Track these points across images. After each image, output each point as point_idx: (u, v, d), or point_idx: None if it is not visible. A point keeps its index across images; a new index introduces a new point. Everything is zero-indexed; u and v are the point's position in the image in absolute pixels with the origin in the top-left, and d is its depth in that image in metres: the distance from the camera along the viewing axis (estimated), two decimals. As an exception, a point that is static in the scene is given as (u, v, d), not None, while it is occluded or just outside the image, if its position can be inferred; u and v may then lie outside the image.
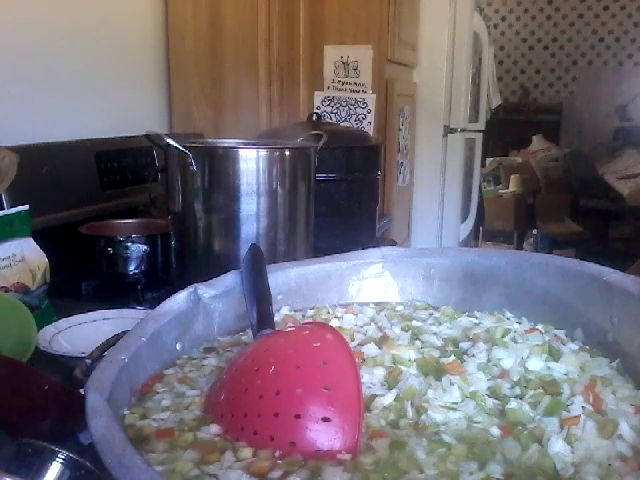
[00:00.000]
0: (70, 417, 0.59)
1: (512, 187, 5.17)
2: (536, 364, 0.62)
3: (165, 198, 1.24)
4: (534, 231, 4.76)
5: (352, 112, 2.13)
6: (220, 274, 0.74)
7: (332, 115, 2.15)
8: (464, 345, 0.67)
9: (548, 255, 0.79)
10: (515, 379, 0.60)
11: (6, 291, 1.04)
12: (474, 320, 0.74)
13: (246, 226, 1.17)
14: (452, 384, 0.58)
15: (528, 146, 5.74)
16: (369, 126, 2.12)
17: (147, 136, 1.19)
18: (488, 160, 5.29)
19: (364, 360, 0.64)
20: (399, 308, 0.81)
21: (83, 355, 0.64)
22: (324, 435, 0.49)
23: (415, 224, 2.69)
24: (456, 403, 0.56)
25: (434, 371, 0.61)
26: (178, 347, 0.67)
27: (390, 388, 0.59)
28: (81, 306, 1.10)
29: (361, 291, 0.83)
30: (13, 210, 1.09)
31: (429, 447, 0.50)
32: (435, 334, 0.71)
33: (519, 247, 4.83)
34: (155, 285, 1.33)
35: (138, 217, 1.53)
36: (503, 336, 0.67)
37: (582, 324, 0.71)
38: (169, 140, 1.13)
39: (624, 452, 0.50)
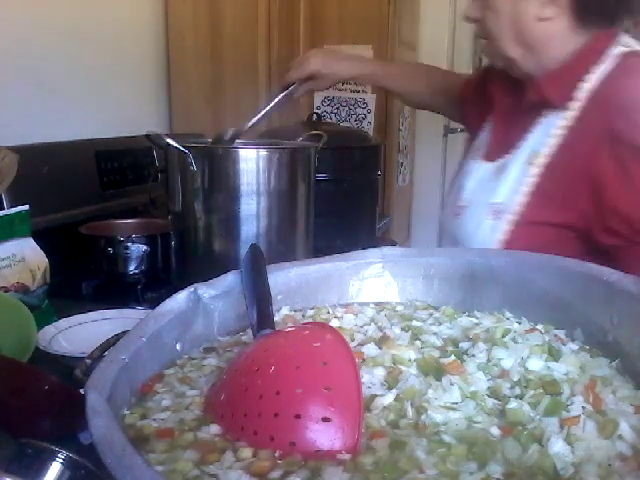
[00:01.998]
0: (70, 417, 0.58)
1: (512, 187, 5.16)
2: (536, 364, 0.61)
3: (165, 198, 1.24)
4: (534, 231, 4.75)
5: (352, 112, 2.13)
6: (220, 274, 0.74)
7: (332, 115, 2.15)
8: (464, 345, 0.67)
9: (548, 255, 0.79)
10: (515, 379, 0.59)
11: (6, 291, 1.04)
12: (474, 320, 0.74)
13: (246, 226, 1.17)
14: (452, 384, 0.58)
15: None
16: (369, 126, 2.12)
17: (147, 136, 1.19)
18: (488, 160, 5.28)
19: (364, 360, 0.63)
20: (399, 308, 0.80)
21: (83, 355, 0.64)
22: (324, 435, 0.49)
23: (415, 224, 2.69)
24: (456, 403, 0.56)
25: (434, 371, 0.61)
26: (178, 347, 0.67)
27: (390, 388, 0.58)
28: (81, 306, 1.10)
29: (361, 291, 0.83)
30: (13, 210, 1.09)
31: (429, 447, 0.50)
32: (435, 334, 0.71)
33: (519, 247, 4.81)
34: (155, 285, 1.33)
35: (138, 217, 1.53)
36: (503, 336, 0.67)
37: (582, 324, 0.71)
38: (169, 140, 1.13)
39: (624, 452, 0.49)
